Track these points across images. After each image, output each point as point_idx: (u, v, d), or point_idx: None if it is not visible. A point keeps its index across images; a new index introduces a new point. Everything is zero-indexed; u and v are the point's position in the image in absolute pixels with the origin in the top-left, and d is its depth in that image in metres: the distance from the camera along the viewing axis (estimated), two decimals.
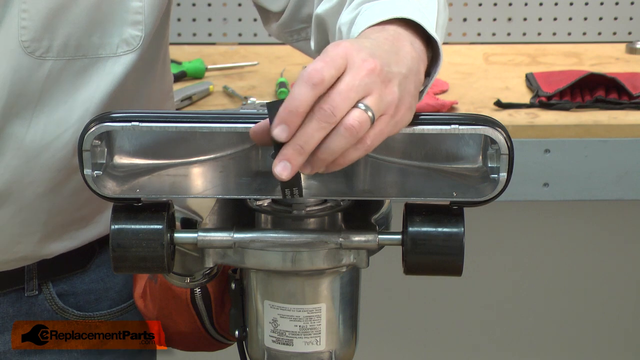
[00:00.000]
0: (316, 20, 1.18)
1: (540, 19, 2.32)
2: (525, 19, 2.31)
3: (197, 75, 2.06)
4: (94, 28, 1.17)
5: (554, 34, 2.32)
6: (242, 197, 1.04)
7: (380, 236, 1.01)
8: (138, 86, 1.24)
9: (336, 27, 1.09)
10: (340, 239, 1.00)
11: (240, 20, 2.28)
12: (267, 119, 0.89)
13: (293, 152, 0.87)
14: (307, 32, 1.26)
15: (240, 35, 2.31)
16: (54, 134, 1.18)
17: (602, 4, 2.31)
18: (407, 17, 0.98)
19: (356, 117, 0.88)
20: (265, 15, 1.31)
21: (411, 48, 0.97)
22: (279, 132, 0.86)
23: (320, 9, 1.16)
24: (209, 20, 2.31)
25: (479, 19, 2.31)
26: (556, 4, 2.31)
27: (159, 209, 0.99)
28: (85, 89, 1.18)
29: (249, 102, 1.90)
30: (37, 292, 1.28)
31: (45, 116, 1.18)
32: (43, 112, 1.17)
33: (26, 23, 1.13)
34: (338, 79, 0.88)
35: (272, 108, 0.88)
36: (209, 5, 2.31)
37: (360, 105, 0.89)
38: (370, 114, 0.89)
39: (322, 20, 1.17)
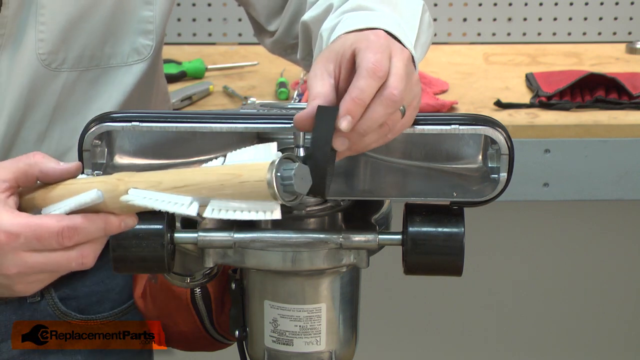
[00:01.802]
0: (302, 27, 1.20)
1: (540, 19, 2.31)
2: (525, 19, 2.31)
3: (197, 75, 2.05)
4: (108, 38, 1.17)
5: (554, 34, 2.32)
6: None
7: (380, 236, 1.01)
8: (145, 94, 1.24)
9: (318, 34, 1.11)
10: (341, 239, 1.01)
11: (240, 20, 2.28)
12: (310, 109, 0.91)
13: (356, 135, 0.91)
14: None
15: (240, 35, 2.30)
16: (67, 145, 1.19)
17: (602, 4, 2.31)
18: (385, 28, 1.01)
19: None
20: (260, 31, 1.34)
21: None
22: (345, 123, 0.90)
23: (306, 16, 1.18)
24: (209, 20, 2.31)
25: (479, 19, 2.31)
26: (556, 4, 2.31)
27: None
28: (98, 99, 1.19)
29: (249, 102, 1.90)
30: (39, 298, 1.28)
31: (59, 127, 1.18)
32: (57, 123, 1.18)
33: (44, 36, 1.13)
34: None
35: (325, 112, 0.90)
36: (209, 5, 2.31)
37: None
38: (401, 108, 0.93)
39: (307, 27, 1.19)
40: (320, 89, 0.94)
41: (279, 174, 0.84)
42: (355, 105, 0.90)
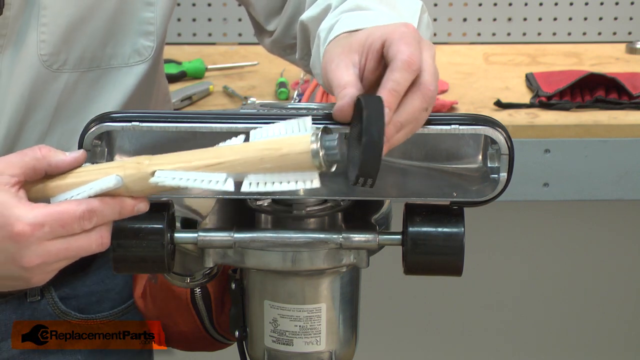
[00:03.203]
0: (300, 27, 1.20)
1: (540, 19, 2.31)
2: (525, 19, 2.31)
3: (197, 75, 2.05)
4: (109, 39, 1.17)
5: (554, 34, 2.32)
6: (242, 197, 1.04)
7: (380, 236, 1.01)
8: (145, 94, 1.24)
9: (316, 33, 1.11)
10: (341, 239, 1.00)
11: (240, 20, 2.28)
12: (349, 98, 0.91)
13: (394, 128, 0.91)
14: None
15: (240, 35, 2.31)
16: (68, 145, 1.19)
17: (602, 4, 2.31)
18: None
19: None
20: (260, 30, 1.34)
21: None
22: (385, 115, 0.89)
23: (304, 16, 1.18)
24: (209, 20, 2.31)
25: (479, 19, 2.31)
26: (556, 4, 2.31)
27: (159, 209, 0.99)
28: (99, 100, 1.19)
29: (249, 102, 1.90)
30: (39, 297, 1.28)
31: (59, 127, 1.18)
32: (58, 124, 1.18)
33: (45, 37, 1.13)
34: None
35: (371, 101, 0.89)
36: (209, 5, 2.31)
37: None
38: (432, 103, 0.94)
39: (306, 27, 1.19)
40: (348, 77, 0.94)
41: (323, 144, 0.86)
42: (392, 96, 0.90)
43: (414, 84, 0.92)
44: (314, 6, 1.17)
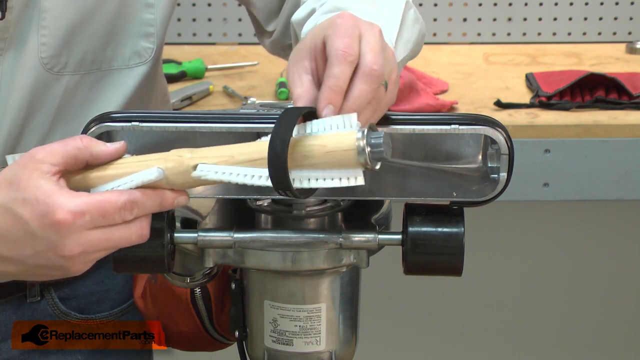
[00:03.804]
0: (292, 28, 1.20)
1: (540, 19, 2.32)
2: (525, 19, 2.31)
3: (197, 75, 2.06)
4: (109, 42, 1.17)
5: (554, 34, 2.32)
6: (242, 197, 1.04)
7: (380, 236, 1.01)
8: (145, 95, 1.24)
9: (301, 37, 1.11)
10: (340, 239, 1.01)
11: (240, 20, 2.28)
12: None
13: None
14: None
15: (240, 35, 2.31)
16: None
17: (602, 4, 2.31)
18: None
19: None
20: (260, 31, 1.35)
21: None
22: (328, 112, 0.89)
23: (293, 18, 1.19)
24: (209, 20, 2.31)
25: (479, 19, 2.31)
26: (556, 4, 2.31)
27: None
28: (99, 102, 1.19)
29: (249, 102, 1.90)
30: (39, 298, 1.28)
31: (60, 129, 1.18)
32: (59, 126, 1.18)
33: (46, 40, 1.13)
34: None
35: (284, 115, 0.88)
36: (209, 5, 2.31)
37: None
38: (383, 82, 0.93)
39: (294, 29, 1.19)
40: (299, 89, 0.94)
41: (368, 142, 0.86)
42: (334, 92, 0.90)
43: (357, 68, 0.92)
44: (302, 8, 1.18)
